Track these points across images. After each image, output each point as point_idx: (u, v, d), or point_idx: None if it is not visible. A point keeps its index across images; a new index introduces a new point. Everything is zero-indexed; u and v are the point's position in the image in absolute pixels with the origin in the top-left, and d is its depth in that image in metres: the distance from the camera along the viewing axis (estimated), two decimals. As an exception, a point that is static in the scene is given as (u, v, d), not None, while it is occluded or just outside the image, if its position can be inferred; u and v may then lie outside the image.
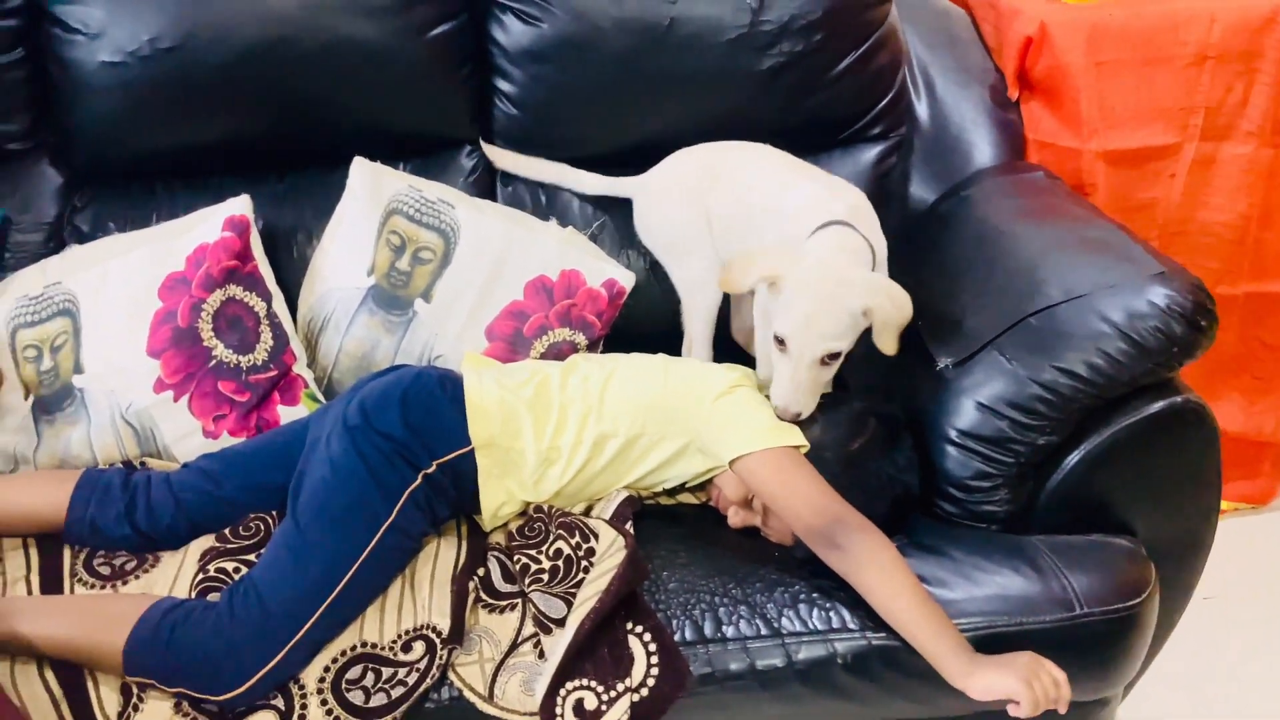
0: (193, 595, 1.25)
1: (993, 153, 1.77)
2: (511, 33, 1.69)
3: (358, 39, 1.63)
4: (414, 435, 1.30)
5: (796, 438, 1.33)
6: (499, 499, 1.35)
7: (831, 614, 1.25)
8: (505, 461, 1.35)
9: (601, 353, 1.62)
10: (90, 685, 1.16)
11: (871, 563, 1.22)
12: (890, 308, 1.35)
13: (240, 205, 1.56)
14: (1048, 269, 1.36)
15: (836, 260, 1.40)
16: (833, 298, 1.34)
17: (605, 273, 1.64)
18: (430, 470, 1.29)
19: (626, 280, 1.65)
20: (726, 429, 1.34)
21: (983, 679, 1.14)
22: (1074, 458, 1.33)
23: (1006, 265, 1.41)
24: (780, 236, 1.51)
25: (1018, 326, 1.33)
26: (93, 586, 1.29)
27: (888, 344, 1.36)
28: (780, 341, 1.36)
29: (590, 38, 1.67)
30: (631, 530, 1.33)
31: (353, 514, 1.25)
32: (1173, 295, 1.27)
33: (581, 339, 1.59)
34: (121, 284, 1.52)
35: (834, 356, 1.36)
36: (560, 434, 1.36)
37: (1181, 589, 1.45)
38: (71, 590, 1.29)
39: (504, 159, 1.75)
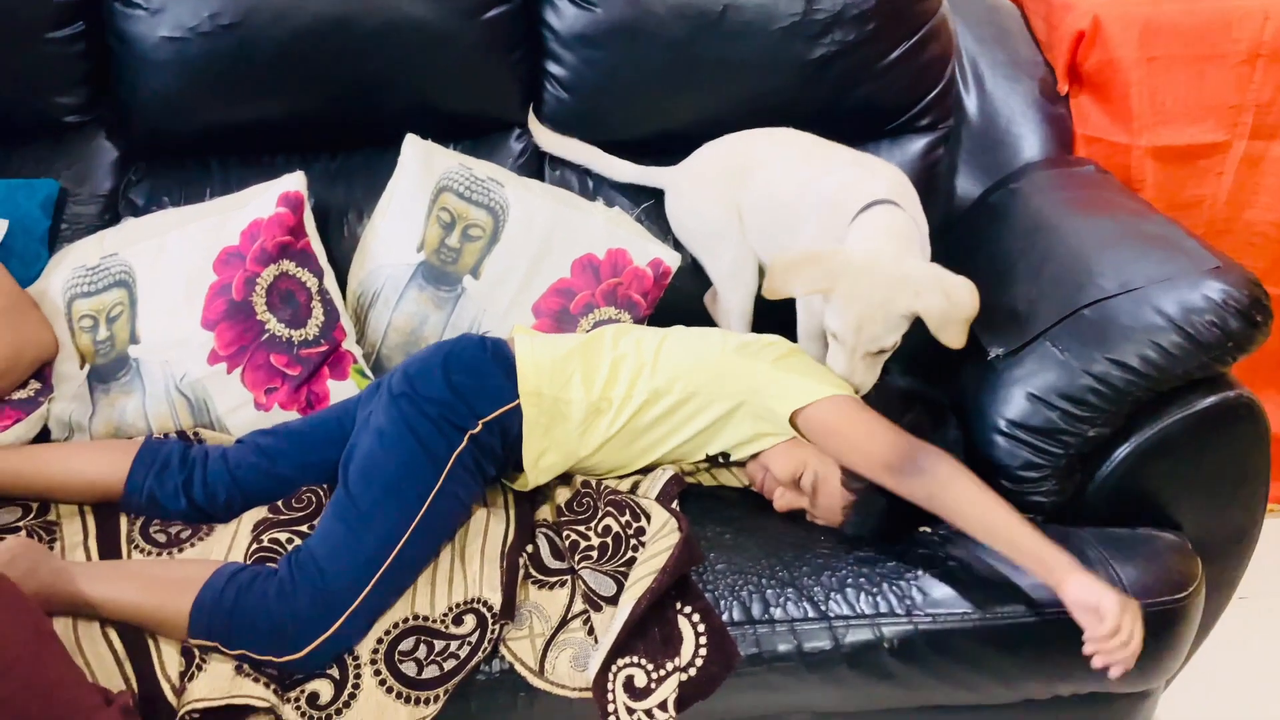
0: (248, 564, 1.26)
1: (1041, 146, 1.77)
2: (565, 17, 1.70)
3: (415, 19, 1.64)
4: (458, 396, 1.31)
5: (849, 388, 1.34)
6: (541, 446, 1.36)
7: (879, 598, 1.26)
8: (553, 412, 1.36)
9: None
10: (152, 647, 1.18)
11: (955, 482, 1.23)
12: (945, 304, 1.33)
13: (295, 182, 1.58)
14: (1102, 261, 1.36)
15: (886, 251, 1.38)
16: (885, 303, 1.33)
17: (651, 252, 1.65)
18: (476, 430, 1.31)
19: (672, 260, 1.66)
20: (787, 385, 1.35)
21: (1082, 581, 1.14)
22: (1123, 450, 1.33)
23: (1059, 257, 1.41)
24: (821, 224, 1.51)
25: (1071, 318, 1.33)
26: (148, 553, 1.32)
27: (950, 339, 1.34)
28: (831, 334, 1.38)
29: (643, 23, 1.67)
30: (678, 510, 1.35)
31: (403, 482, 1.27)
32: (1228, 290, 1.27)
33: (627, 318, 1.60)
34: (177, 257, 1.54)
35: (884, 350, 1.37)
36: (611, 386, 1.38)
37: (1225, 586, 1.45)
38: (129, 556, 1.32)
39: (544, 135, 1.75)
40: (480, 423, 1.31)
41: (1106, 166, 1.72)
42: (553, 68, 1.73)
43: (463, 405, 1.31)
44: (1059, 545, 1.18)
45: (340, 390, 1.54)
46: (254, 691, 1.15)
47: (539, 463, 1.37)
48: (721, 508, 1.42)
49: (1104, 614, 1.12)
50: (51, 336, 1.52)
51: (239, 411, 1.49)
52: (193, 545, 1.32)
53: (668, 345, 1.41)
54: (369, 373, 1.59)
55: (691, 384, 1.38)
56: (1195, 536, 1.36)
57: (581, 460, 1.40)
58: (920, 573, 1.28)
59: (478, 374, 1.35)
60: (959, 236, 1.59)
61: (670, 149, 1.74)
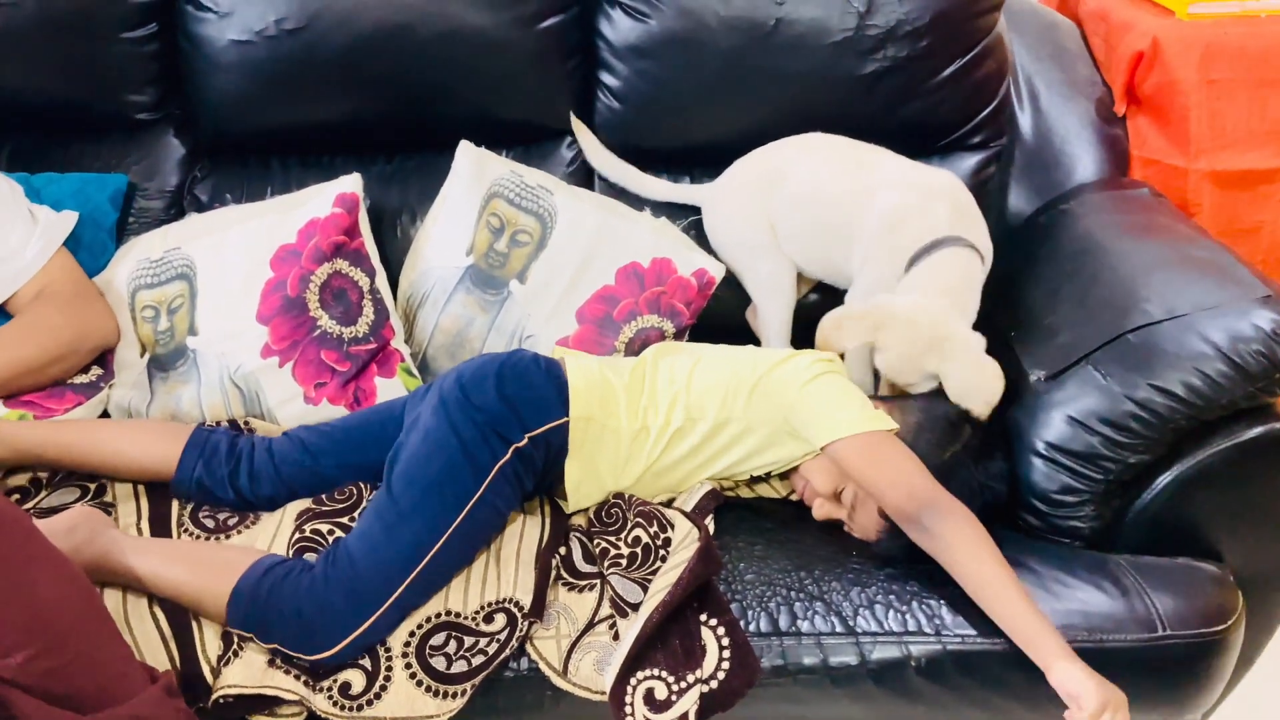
0: (290, 554, 1.30)
1: (1095, 167, 1.75)
2: (619, 28, 1.72)
3: (473, 27, 1.68)
4: (508, 407, 1.34)
5: (887, 423, 1.34)
6: (582, 473, 1.38)
7: (907, 616, 1.26)
8: (599, 438, 1.37)
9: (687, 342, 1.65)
10: (195, 628, 1.22)
11: (964, 545, 1.23)
12: (971, 379, 1.40)
13: (351, 183, 1.62)
14: (1149, 286, 1.35)
15: (932, 309, 1.43)
16: (916, 358, 1.42)
17: (696, 262, 1.67)
18: (521, 443, 1.33)
19: (717, 270, 1.67)
20: (819, 413, 1.35)
21: (1067, 669, 1.14)
22: (1165, 479, 1.31)
23: (1106, 280, 1.39)
24: (876, 246, 1.53)
25: (1115, 342, 1.32)
26: (197, 537, 1.36)
27: (973, 410, 1.40)
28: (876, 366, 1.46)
29: (696, 35, 1.69)
30: (710, 524, 1.36)
31: (444, 487, 1.29)
32: (1278, 319, 1.25)
33: (669, 326, 1.62)
34: (237, 252, 1.59)
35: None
36: (650, 414, 1.39)
37: (1268, 619, 1.42)
38: (178, 537, 1.37)
39: (586, 138, 1.77)
40: (526, 437, 1.33)
41: (1163, 190, 1.70)
42: (606, 78, 1.76)
43: (512, 417, 1.34)
44: (1053, 630, 1.17)
45: (387, 388, 1.58)
46: (285, 684, 1.18)
47: (579, 489, 1.39)
48: (756, 519, 1.42)
49: (1084, 705, 1.12)
50: (114, 324, 1.58)
51: (289, 404, 1.54)
52: (240, 532, 1.37)
53: (699, 370, 1.43)
54: (415, 372, 1.63)
55: (725, 410, 1.39)
56: (1237, 568, 1.34)
57: (623, 491, 1.41)
58: (951, 592, 1.27)
59: (530, 387, 1.37)
60: (1007, 257, 1.58)
61: (720, 160, 1.75)
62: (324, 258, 1.56)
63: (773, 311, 1.65)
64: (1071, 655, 1.16)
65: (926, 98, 1.72)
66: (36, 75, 1.72)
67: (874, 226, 1.54)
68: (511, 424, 1.34)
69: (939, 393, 1.44)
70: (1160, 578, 1.29)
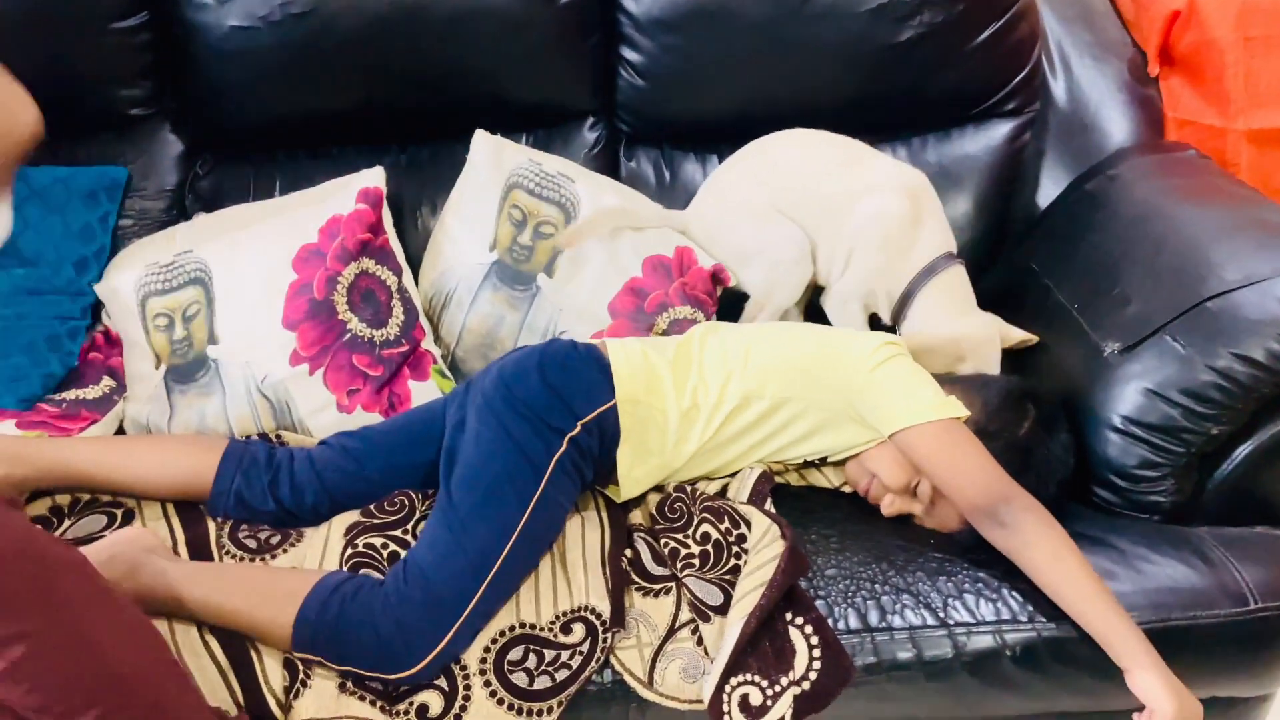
0: (351, 574, 1.22)
1: (1130, 131, 1.71)
2: (641, 1, 1.64)
3: (489, 6, 1.59)
4: (556, 396, 1.28)
5: (959, 409, 1.29)
6: (635, 456, 1.32)
7: (1000, 604, 1.21)
8: (648, 420, 1.31)
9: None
10: (255, 658, 1.14)
11: (1040, 542, 1.19)
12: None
13: (374, 177, 1.54)
14: (1222, 252, 1.31)
15: (980, 324, 1.53)
16: (997, 363, 1.51)
17: (714, 254, 1.62)
18: (575, 432, 1.27)
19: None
20: (887, 399, 1.30)
21: (1147, 679, 1.11)
22: (1245, 449, 1.28)
23: (1174, 247, 1.36)
24: (865, 254, 1.55)
25: (1193, 311, 1.28)
26: (240, 559, 1.28)
27: None
28: None
29: (723, 6, 1.62)
30: (778, 515, 1.30)
31: (505, 488, 1.23)
32: (1360, 280, 1.22)
33: (701, 317, 1.56)
34: (254, 254, 1.50)
35: None
36: (700, 393, 1.33)
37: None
38: (220, 560, 1.28)
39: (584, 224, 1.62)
40: (579, 424, 1.27)
41: (1200, 150, 1.67)
42: (628, 54, 1.68)
43: (560, 406, 1.27)
44: (1136, 631, 1.13)
45: (421, 391, 1.51)
46: (361, 711, 1.11)
47: (631, 473, 1.32)
48: (820, 509, 1.37)
49: (1161, 714, 1.09)
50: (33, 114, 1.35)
51: (321, 413, 1.46)
52: (284, 551, 1.28)
53: (758, 346, 1.36)
54: (448, 373, 1.55)
55: (785, 389, 1.33)
56: (1316, 536, 1.32)
57: (675, 473, 1.36)
58: (1040, 576, 1.23)
59: (574, 374, 1.31)
60: (1056, 226, 1.54)
61: (750, 134, 1.68)
62: (350, 257, 1.48)
63: (777, 303, 1.59)
64: (1153, 661, 1.11)
65: (961, 65, 1.68)
66: (19, 70, 1.58)
67: (860, 232, 1.55)
68: (562, 413, 1.27)
69: (995, 376, 1.44)
70: (1245, 549, 1.27)
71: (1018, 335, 1.51)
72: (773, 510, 1.29)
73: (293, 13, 1.55)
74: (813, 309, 1.66)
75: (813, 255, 1.60)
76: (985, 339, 1.49)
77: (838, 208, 1.56)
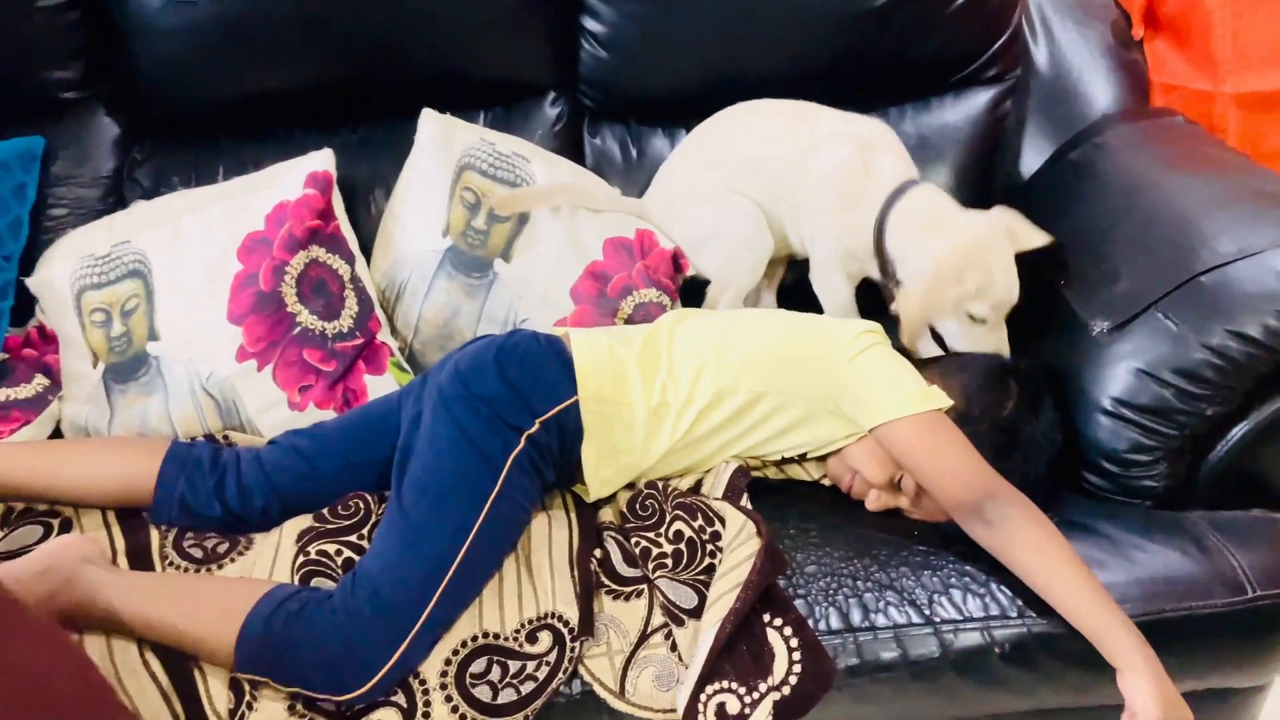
0: (295, 580, 1.16)
1: (1115, 96, 1.65)
2: (603, -33, 1.56)
3: (440, -25, 1.50)
4: (514, 392, 1.21)
5: (943, 399, 1.23)
6: (601, 456, 1.25)
7: (988, 599, 1.16)
8: (614, 417, 1.25)
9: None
10: (199, 678, 1.07)
11: (1027, 539, 1.13)
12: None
13: (323, 160, 1.45)
14: (1215, 223, 1.25)
15: (969, 225, 1.39)
16: (1011, 262, 1.36)
17: (673, 237, 1.55)
18: (533, 430, 1.20)
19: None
20: (866, 392, 1.24)
21: (1136, 682, 1.04)
22: (1240, 429, 1.23)
23: (1165, 219, 1.29)
24: (839, 207, 1.47)
25: (1186, 285, 1.22)
26: (185, 569, 1.20)
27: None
28: (980, 319, 1.36)
29: (691, -29, 1.54)
30: (754, 511, 1.24)
31: (458, 488, 1.16)
32: (1360, 251, 1.16)
33: (667, 301, 1.49)
34: (197, 244, 1.41)
35: None
36: (670, 389, 1.26)
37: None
38: (164, 572, 1.21)
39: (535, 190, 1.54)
40: (537, 421, 1.20)
41: (1187, 116, 1.60)
42: (590, 24, 1.60)
43: (519, 402, 1.20)
44: (1129, 629, 1.06)
45: (378, 385, 1.43)
46: (311, 732, 1.04)
47: (599, 472, 1.26)
48: (799, 502, 1.31)
49: (1143, 717, 1.02)
50: None
51: (271, 412, 1.38)
52: (233, 560, 1.21)
53: (732, 336, 1.29)
54: (406, 366, 1.47)
55: (760, 383, 1.26)
56: (1312, 518, 1.27)
57: (646, 471, 1.29)
58: (1028, 569, 1.17)
59: (534, 369, 1.23)
60: (1041, 196, 1.47)
61: (720, 107, 1.60)
62: (299, 245, 1.40)
63: (736, 289, 1.52)
64: (1144, 661, 1.05)
65: (939, 30, 1.61)
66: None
67: (822, 189, 1.47)
68: (520, 410, 1.20)
69: (965, 355, 1.37)
70: (1241, 534, 1.21)
71: (1029, 235, 1.38)
72: (748, 506, 1.23)
73: (230, -15, 1.46)
74: (799, 292, 1.58)
75: (782, 229, 1.53)
76: (979, 246, 1.35)
77: (791, 172, 1.50)
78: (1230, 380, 1.19)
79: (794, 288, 1.64)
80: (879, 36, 1.58)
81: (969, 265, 1.33)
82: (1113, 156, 1.45)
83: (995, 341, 1.37)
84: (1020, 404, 1.25)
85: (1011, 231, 1.37)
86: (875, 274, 1.48)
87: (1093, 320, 1.29)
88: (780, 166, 1.51)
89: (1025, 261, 1.39)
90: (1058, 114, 1.66)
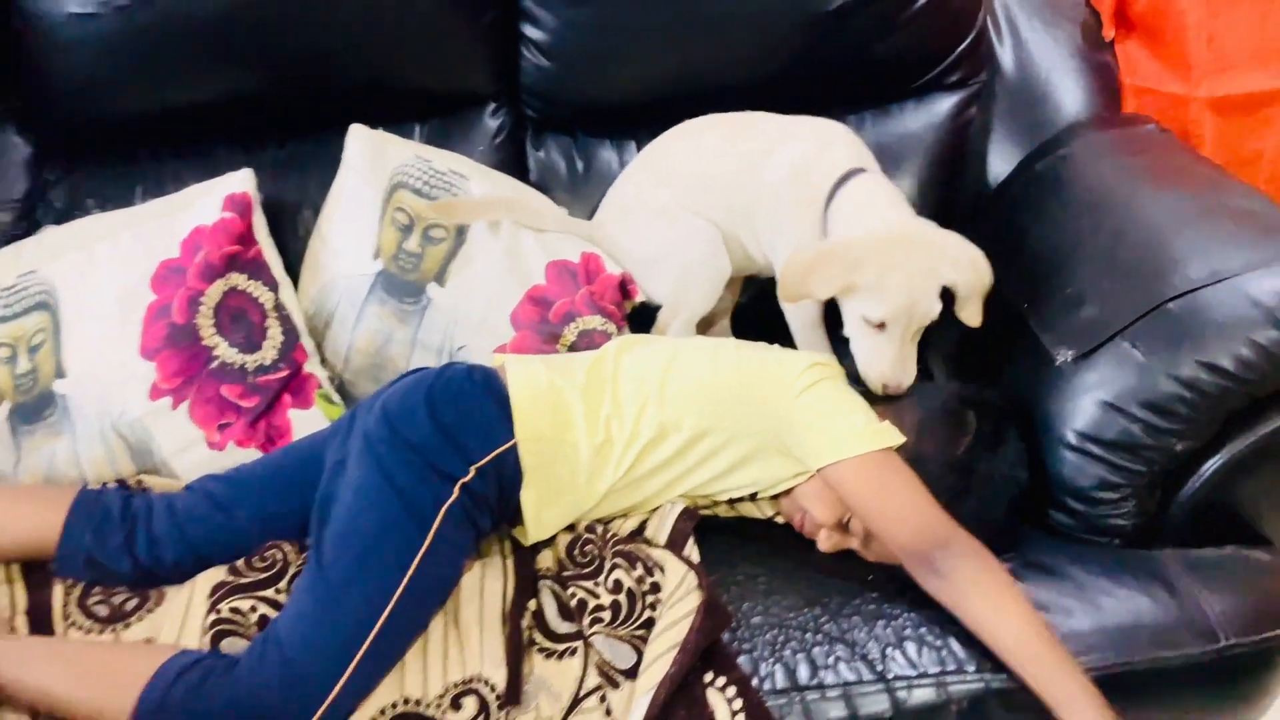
0: (205, 640, 1.08)
1: (1085, 101, 1.57)
2: (542, -30, 1.47)
3: (367, -20, 1.41)
4: (446, 438, 1.13)
5: (893, 436, 1.15)
6: (542, 498, 1.17)
7: (944, 652, 1.08)
8: (555, 458, 1.17)
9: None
10: (94, 760, 0.99)
11: (978, 592, 1.06)
12: (973, 277, 1.26)
13: (241, 181, 1.36)
14: (1185, 244, 1.17)
15: (903, 222, 1.31)
16: (929, 273, 1.24)
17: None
18: (468, 478, 1.12)
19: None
20: (813, 430, 1.16)
21: None
22: (1214, 464, 1.16)
23: (1133, 239, 1.22)
24: (791, 205, 1.37)
25: (1154, 313, 1.15)
26: (89, 630, 1.13)
27: (972, 315, 1.27)
28: (875, 324, 1.24)
29: (634, -25, 1.45)
30: (693, 550, 1.16)
31: (383, 545, 1.08)
32: (1339, 275, 1.09)
33: (613, 329, 1.40)
34: (108, 273, 1.33)
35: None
36: (615, 425, 1.19)
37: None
38: (64, 633, 1.13)
39: (470, 202, 1.45)
40: (473, 469, 1.12)
41: (1160, 121, 1.53)
42: (530, 31, 1.51)
43: (452, 448, 1.12)
44: (1088, 693, 0.99)
45: (305, 421, 1.34)
46: (216, 813, 0.97)
47: (540, 516, 1.18)
48: (748, 543, 1.22)
49: None
50: None
51: (188, 452, 1.29)
52: (141, 619, 1.13)
53: (676, 368, 1.21)
54: (335, 397, 1.39)
55: (704, 419, 1.18)
56: (1290, 551, 1.20)
57: (588, 511, 1.21)
58: (988, 618, 1.10)
59: (467, 410, 1.15)
60: (1003, 212, 1.39)
61: (671, 116, 1.52)
62: (216, 273, 1.31)
63: (687, 316, 1.43)
64: None
65: (899, 33, 1.52)
66: None
67: (777, 187, 1.39)
68: (453, 457, 1.12)
69: (921, 386, 1.29)
70: (1213, 575, 1.14)
71: (969, 280, 1.24)
72: (692, 556, 1.15)
73: (139, -6, 1.37)
74: (757, 314, 1.50)
75: (742, 247, 1.45)
76: (894, 244, 1.25)
77: (744, 184, 1.42)
78: (1201, 414, 1.12)
79: (750, 308, 1.56)
80: (836, 40, 1.50)
81: (871, 257, 1.23)
82: (1080, 169, 1.37)
83: (895, 356, 1.25)
84: (978, 440, 1.17)
85: (955, 262, 1.25)
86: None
87: (1056, 349, 1.21)
88: (731, 179, 1.43)
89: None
90: (1025, 120, 1.58)
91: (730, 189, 1.43)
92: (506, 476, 1.14)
